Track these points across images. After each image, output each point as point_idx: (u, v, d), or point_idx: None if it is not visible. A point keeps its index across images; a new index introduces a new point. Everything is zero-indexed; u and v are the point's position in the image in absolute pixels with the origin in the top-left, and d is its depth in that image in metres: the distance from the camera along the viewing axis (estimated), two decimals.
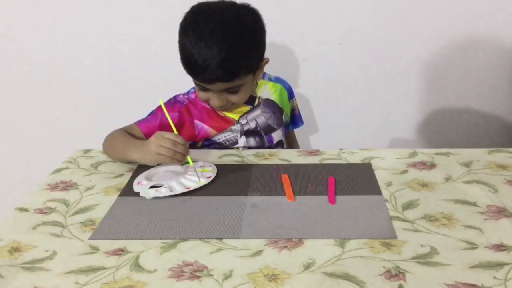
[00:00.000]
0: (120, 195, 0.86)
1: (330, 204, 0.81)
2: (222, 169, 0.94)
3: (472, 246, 0.69)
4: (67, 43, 1.50)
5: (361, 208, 0.79)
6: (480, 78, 1.55)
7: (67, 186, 0.91)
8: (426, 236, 0.71)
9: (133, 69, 1.53)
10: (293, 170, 0.94)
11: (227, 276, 0.64)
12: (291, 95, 1.22)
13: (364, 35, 1.48)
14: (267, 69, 1.08)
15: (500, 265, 0.64)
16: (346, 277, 0.62)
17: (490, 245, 0.69)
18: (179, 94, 1.11)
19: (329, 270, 0.64)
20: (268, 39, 1.02)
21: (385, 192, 0.85)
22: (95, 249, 0.71)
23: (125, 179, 0.93)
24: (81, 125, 1.61)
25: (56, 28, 1.48)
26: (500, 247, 0.68)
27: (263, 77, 1.15)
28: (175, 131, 0.93)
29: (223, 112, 1.09)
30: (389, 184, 0.88)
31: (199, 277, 0.64)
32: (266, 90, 1.15)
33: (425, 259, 0.66)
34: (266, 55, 1.03)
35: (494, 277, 0.62)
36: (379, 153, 1.01)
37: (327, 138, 1.64)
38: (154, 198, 0.84)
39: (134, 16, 1.46)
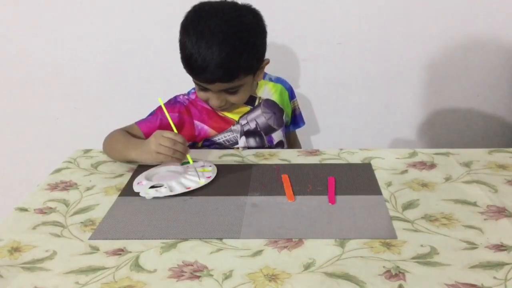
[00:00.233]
0: (120, 195, 0.86)
1: (330, 204, 0.81)
2: (222, 169, 0.94)
3: (472, 246, 0.69)
4: (67, 43, 1.50)
5: (361, 208, 0.79)
6: (480, 78, 1.55)
7: (67, 186, 0.91)
8: (426, 236, 0.71)
9: (133, 69, 1.53)
10: (293, 170, 0.94)
11: (227, 276, 0.64)
12: (292, 95, 1.22)
13: (364, 35, 1.48)
14: (267, 69, 1.08)
15: (500, 265, 0.64)
16: (346, 277, 0.62)
17: (490, 245, 0.69)
18: (179, 95, 1.11)
19: (329, 270, 0.64)
20: (268, 39, 1.02)
21: (385, 192, 0.85)
22: (95, 249, 0.71)
23: (125, 179, 0.93)
24: (81, 125, 1.61)
25: (56, 28, 1.48)
26: (500, 247, 0.68)
27: (264, 77, 1.15)
28: (175, 131, 0.93)
29: (223, 113, 1.09)
30: (389, 184, 0.88)
31: (199, 277, 0.64)
32: (267, 91, 1.15)
33: (425, 259, 0.66)
34: (267, 55, 1.03)
35: (494, 277, 0.62)
36: (379, 153, 1.01)
37: (327, 138, 1.64)
38: (154, 198, 0.84)
39: (134, 16, 1.46)
